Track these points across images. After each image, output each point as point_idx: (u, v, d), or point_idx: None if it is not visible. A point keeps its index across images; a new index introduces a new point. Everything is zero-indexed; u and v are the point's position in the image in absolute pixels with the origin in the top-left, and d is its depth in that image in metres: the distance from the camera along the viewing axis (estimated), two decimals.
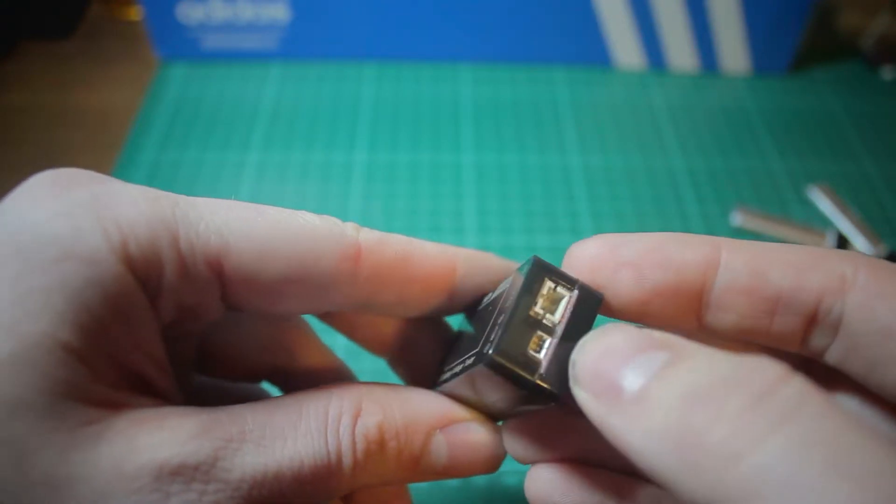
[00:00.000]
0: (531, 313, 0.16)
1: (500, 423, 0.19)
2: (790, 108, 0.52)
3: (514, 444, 0.19)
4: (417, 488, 0.32)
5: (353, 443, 0.16)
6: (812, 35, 0.55)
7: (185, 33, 0.52)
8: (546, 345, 0.15)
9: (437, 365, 0.21)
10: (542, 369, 0.15)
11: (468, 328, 0.20)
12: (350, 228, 0.17)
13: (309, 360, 0.22)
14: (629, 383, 0.13)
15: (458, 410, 0.19)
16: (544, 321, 0.16)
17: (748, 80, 0.54)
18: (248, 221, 0.16)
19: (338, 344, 0.34)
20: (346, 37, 0.52)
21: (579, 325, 0.16)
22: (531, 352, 0.15)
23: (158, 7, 0.50)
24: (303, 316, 0.23)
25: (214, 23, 0.51)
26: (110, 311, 0.14)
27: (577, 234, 0.43)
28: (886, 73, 0.55)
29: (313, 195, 0.44)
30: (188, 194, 0.17)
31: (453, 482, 0.32)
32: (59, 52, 0.54)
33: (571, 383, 0.15)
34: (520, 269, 0.17)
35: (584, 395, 0.14)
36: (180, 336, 0.18)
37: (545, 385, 0.15)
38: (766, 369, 0.12)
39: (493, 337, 0.15)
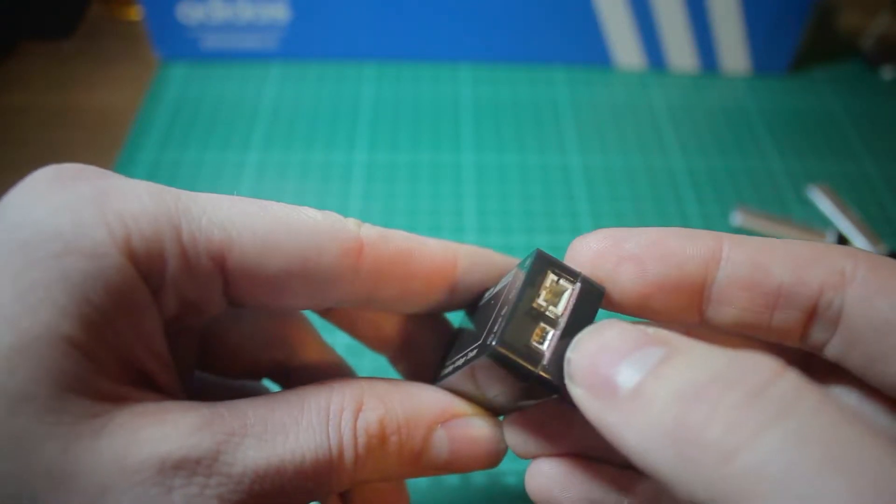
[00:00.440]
0: (534, 305, 0.16)
1: (501, 418, 0.19)
2: (790, 108, 0.52)
3: (515, 439, 0.19)
4: (417, 488, 0.32)
5: (355, 437, 0.16)
6: (812, 35, 0.56)
7: (185, 33, 0.52)
8: (549, 337, 0.15)
9: (437, 361, 0.21)
10: (545, 361, 0.15)
11: (469, 325, 0.20)
12: (352, 224, 0.18)
13: (309, 356, 0.22)
14: (624, 380, 0.13)
15: (459, 405, 0.19)
16: (547, 313, 0.16)
17: (748, 80, 0.54)
18: (251, 216, 0.16)
19: (338, 343, 0.34)
20: (346, 37, 0.52)
21: (581, 318, 0.16)
22: (534, 343, 0.15)
23: (158, 7, 0.50)
24: (304, 312, 0.23)
25: (214, 23, 0.51)
26: (113, 304, 0.14)
27: (577, 234, 0.43)
28: (886, 73, 0.55)
29: (313, 195, 0.44)
30: None
31: (453, 482, 0.32)
32: (59, 52, 0.54)
33: (567, 380, 0.15)
34: (521, 263, 0.17)
35: (579, 392, 0.14)
36: (182, 331, 0.18)
37: (547, 376, 0.15)
38: (760, 364, 0.12)
39: (496, 328, 0.16)
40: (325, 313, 0.21)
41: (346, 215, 0.18)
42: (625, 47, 0.53)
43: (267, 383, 0.24)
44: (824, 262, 0.15)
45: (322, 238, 0.17)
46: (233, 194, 0.17)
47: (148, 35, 0.52)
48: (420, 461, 0.18)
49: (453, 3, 0.50)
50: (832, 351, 0.16)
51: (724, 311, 0.16)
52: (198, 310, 0.17)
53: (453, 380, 0.18)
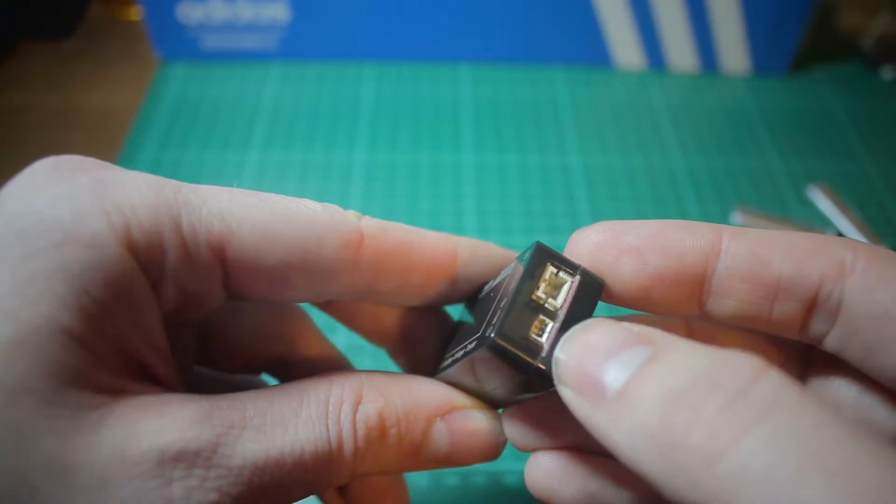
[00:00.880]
0: (533, 297, 0.16)
1: (500, 411, 0.19)
2: (790, 108, 0.52)
3: (515, 432, 0.19)
4: (417, 488, 0.32)
5: (354, 430, 0.16)
6: (812, 35, 0.56)
7: (185, 33, 0.52)
8: (548, 329, 0.15)
9: (436, 354, 0.21)
10: (544, 353, 0.15)
11: (468, 318, 0.20)
12: (352, 216, 0.18)
13: (308, 350, 0.22)
14: (611, 380, 0.13)
15: (458, 398, 0.19)
16: (546, 305, 0.16)
17: (748, 80, 0.54)
18: (251, 208, 0.16)
19: (337, 341, 0.34)
20: (346, 37, 0.52)
21: (581, 310, 0.16)
22: (533, 336, 0.15)
23: (158, 7, 0.50)
24: (303, 306, 0.23)
25: (214, 23, 0.51)
26: (112, 296, 0.14)
27: None
28: (886, 73, 0.55)
29: (313, 195, 0.44)
30: None
31: (453, 481, 0.32)
32: (59, 52, 0.54)
33: (555, 381, 0.15)
34: (520, 256, 0.17)
35: (567, 392, 0.14)
36: (182, 325, 0.17)
37: (546, 369, 0.15)
38: (743, 365, 0.12)
39: (495, 320, 0.15)
40: (325, 306, 0.21)
41: None
42: (625, 47, 0.53)
43: (266, 377, 0.24)
44: (824, 254, 0.15)
45: (322, 230, 0.17)
46: (232, 186, 0.17)
47: (148, 35, 0.52)
48: (419, 454, 0.18)
49: (453, 3, 0.50)
50: (832, 342, 0.16)
51: (724, 303, 0.16)
52: (197, 302, 0.17)
53: (452, 372, 0.18)
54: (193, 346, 0.20)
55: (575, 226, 0.43)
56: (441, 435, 0.18)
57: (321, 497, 0.22)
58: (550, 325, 0.15)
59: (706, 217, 0.44)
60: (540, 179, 0.46)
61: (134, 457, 0.14)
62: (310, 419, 0.16)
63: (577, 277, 0.16)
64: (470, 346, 0.16)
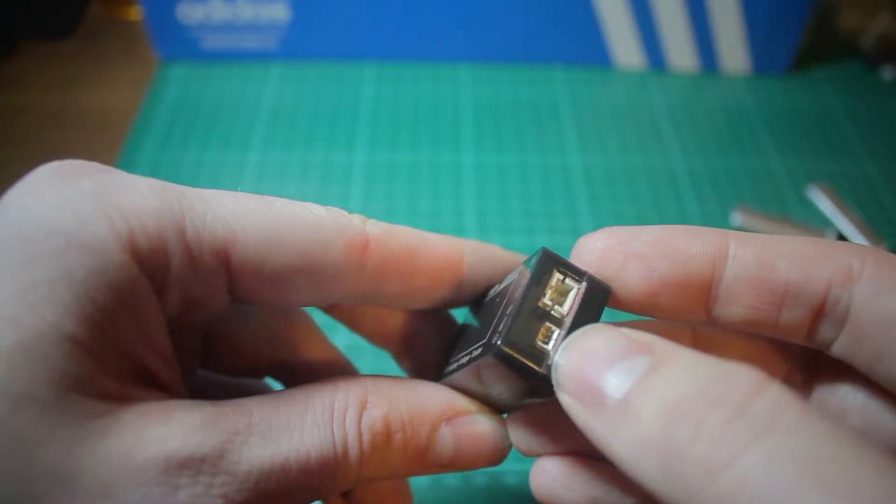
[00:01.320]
0: (539, 304, 0.15)
1: (504, 416, 0.19)
2: (790, 108, 0.52)
3: (520, 437, 0.19)
4: (417, 488, 0.32)
5: (360, 435, 0.16)
6: (812, 35, 0.56)
7: (185, 33, 0.52)
8: (554, 336, 0.15)
9: (441, 358, 0.21)
10: (550, 360, 0.15)
11: (473, 321, 0.20)
12: (357, 219, 0.17)
13: (312, 354, 0.22)
14: (612, 389, 0.13)
15: (463, 403, 0.18)
16: (552, 312, 0.15)
17: (748, 80, 0.54)
18: (255, 212, 0.16)
19: (337, 342, 0.34)
20: (346, 37, 0.52)
21: (587, 317, 0.16)
22: (539, 343, 0.15)
23: (158, 7, 0.50)
24: (307, 310, 0.23)
25: (214, 23, 0.51)
26: (116, 301, 0.14)
27: (577, 234, 0.43)
28: (886, 73, 0.55)
29: (313, 195, 0.44)
30: None
31: (453, 482, 0.32)
32: (59, 52, 0.54)
33: (555, 387, 0.15)
34: (527, 261, 0.17)
35: (568, 400, 0.14)
36: (185, 329, 0.17)
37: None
38: (744, 378, 0.12)
39: (501, 328, 0.15)
40: (329, 309, 0.21)
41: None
42: (625, 47, 0.53)
43: (270, 381, 0.24)
44: (832, 259, 0.15)
45: (327, 234, 0.17)
46: (237, 190, 0.17)
47: (148, 35, 0.52)
48: (425, 459, 0.18)
49: (453, 3, 0.50)
50: (839, 348, 0.16)
51: (731, 308, 0.16)
52: (201, 307, 0.17)
53: (457, 377, 0.18)
54: (197, 351, 0.20)
55: (575, 226, 0.43)
56: (446, 440, 0.18)
57: (325, 502, 0.22)
58: (556, 332, 0.15)
59: (706, 217, 0.44)
60: (540, 179, 0.46)
61: (140, 464, 0.14)
62: (315, 425, 0.16)
63: (584, 284, 0.16)
64: (476, 353, 0.16)
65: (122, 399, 0.14)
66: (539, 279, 0.16)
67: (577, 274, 0.16)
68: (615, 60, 0.54)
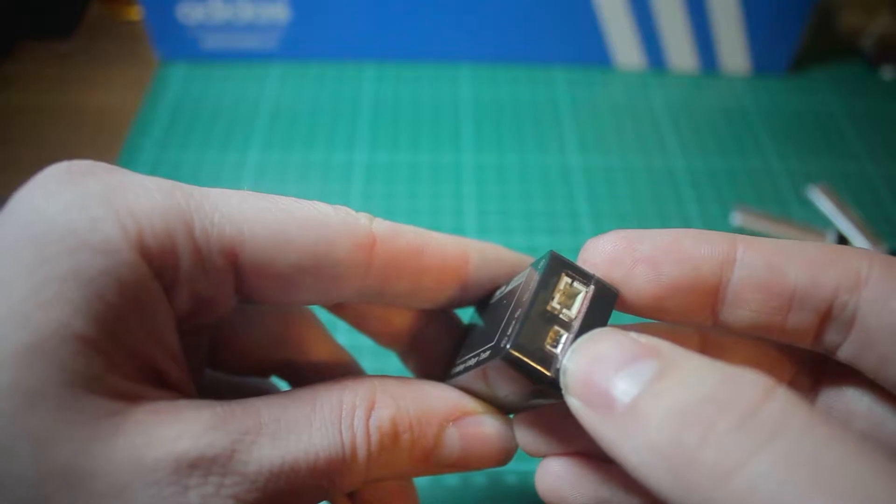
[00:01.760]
0: (548, 308, 0.16)
1: (511, 416, 0.19)
2: (790, 108, 0.52)
3: (526, 437, 0.19)
4: (417, 488, 0.32)
5: (368, 435, 0.16)
6: (812, 35, 0.56)
7: (185, 33, 0.52)
8: (562, 340, 0.15)
9: (447, 358, 0.21)
10: (559, 364, 0.15)
11: (479, 322, 0.20)
12: (364, 218, 0.18)
13: (319, 354, 0.22)
14: (620, 394, 0.13)
15: (470, 403, 0.19)
16: (560, 316, 0.16)
17: (748, 80, 0.54)
18: (262, 211, 0.16)
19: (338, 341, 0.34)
20: (346, 37, 0.52)
21: (595, 320, 0.16)
22: (548, 347, 0.15)
23: (158, 7, 0.50)
24: (312, 310, 0.23)
25: (214, 23, 0.51)
26: (126, 301, 0.14)
27: (577, 234, 0.43)
28: (886, 73, 0.55)
29: (313, 195, 0.44)
30: None
31: (453, 482, 0.32)
32: (59, 52, 0.54)
33: (564, 391, 0.15)
34: (534, 263, 0.17)
35: (576, 404, 0.14)
36: (193, 329, 0.17)
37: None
38: (752, 384, 0.12)
39: (509, 331, 0.16)
40: (336, 308, 0.21)
41: None
42: (625, 47, 0.53)
43: (276, 381, 0.24)
44: (839, 264, 0.15)
45: (334, 233, 0.17)
46: (243, 189, 0.17)
47: (148, 35, 0.52)
48: (431, 459, 0.18)
49: (453, 3, 0.50)
50: (846, 352, 0.16)
51: (738, 312, 0.16)
52: (210, 306, 0.17)
53: (464, 378, 0.18)
54: (204, 351, 0.20)
55: (575, 226, 0.43)
56: (453, 440, 0.18)
57: (332, 502, 0.22)
58: (565, 335, 0.15)
59: (706, 217, 0.44)
60: (540, 179, 0.46)
61: (151, 463, 0.14)
62: (323, 425, 0.16)
63: (592, 287, 0.16)
64: (484, 356, 0.16)
65: (132, 398, 0.14)
66: (547, 282, 0.16)
67: (585, 277, 0.16)
68: (615, 60, 0.54)
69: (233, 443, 0.15)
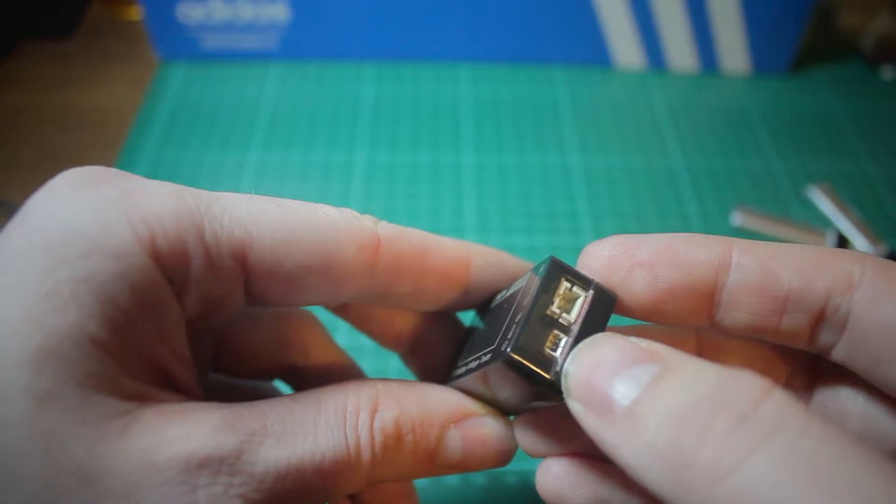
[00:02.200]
0: (548, 312, 0.16)
1: (511, 418, 0.20)
2: (790, 108, 0.52)
3: (526, 438, 0.19)
4: (417, 488, 0.32)
5: (372, 437, 0.17)
6: (812, 35, 0.56)
7: (185, 33, 0.52)
8: (562, 343, 0.16)
9: (448, 360, 0.22)
10: (558, 367, 0.15)
11: (480, 325, 0.20)
12: (369, 221, 0.18)
13: (320, 357, 0.23)
14: (620, 397, 0.13)
15: (471, 405, 0.19)
16: (560, 320, 0.16)
17: (748, 80, 0.54)
18: (270, 213, 0.17)
19: (338, 342, 0.34)
20: (346, 37, 0.52)
21: (594, 324, 0.16)
22: (548, 350, 0.16)
23: (158, 7, 0.50)
24: (314, 314, 0.23)
25: (214, 23, 0.51)
26: (137, 305, 0.15)
27: (577, 234, 0.43)
28: (886, 73, 0.55)
29: (313, 195, 0.44)
30: None
31: (453, 482, 0.32)
32: (59, 52, 0.54)
33: (565, 395, 0.15)
34: (535, 268, 0.18)
35: (577, 407, 0.14)
36: (201, 332, 0.18)
37: (559, 382, 0.15)
38: (748, 385, 0.13)
39: (510, 335, 0.16)
40: (339, 310, 0.22)
41: None
42: (625, 47, 0.53)
43: (278, 384, 0.24)
44: (833, 267, 0.16)
45: (340, 235, 0.17)
46: (250, 193, 0.17)
47: (148, 35, 0.52)
48: (434, 460, 0.18)
49: (453, 3, 0.50)
50: (839, 353, 0.16)
51: (734, 315, 0.17)
52: (219, 308, 0.17)
53: (465, 381, 0.18)
54: (209, 354, 0.21)
55: (575, 226, 0.43)
56: (454, 441, 0.18)
57: None
58: (564, 339, 0.16)
59: (706, 217, 0.44)
60: (540, 179, 0.46)
61: (160, 463, 0.14)
62: (328, 427, 0.16)
63: (591, 292, 0.16)
64: (485, 359, 0.17)
65: (142, 399, 0.15)
66: (547, 287, 0.16)
67: (585, 282, 0.16)
68: (615, 60, 0.54)
69: (241, 444, 0.15)
